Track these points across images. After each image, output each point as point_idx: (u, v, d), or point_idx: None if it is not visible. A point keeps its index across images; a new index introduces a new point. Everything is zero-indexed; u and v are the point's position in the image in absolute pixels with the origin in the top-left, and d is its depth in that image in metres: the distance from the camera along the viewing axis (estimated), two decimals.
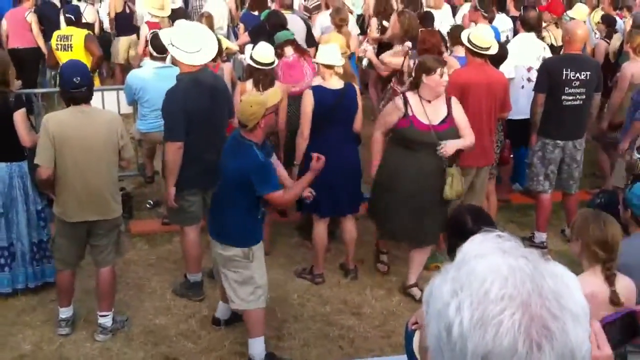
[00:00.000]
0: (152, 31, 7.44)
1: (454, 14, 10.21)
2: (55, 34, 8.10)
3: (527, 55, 7.26)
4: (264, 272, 4.83)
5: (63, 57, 7.67)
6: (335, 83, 5.74)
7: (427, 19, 8.13)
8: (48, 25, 9.71)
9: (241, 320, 5.01)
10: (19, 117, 5.22)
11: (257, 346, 4.83)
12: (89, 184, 4.80)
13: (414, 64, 6.84)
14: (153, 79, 6.49)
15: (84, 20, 8.64)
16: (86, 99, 4.83)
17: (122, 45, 10.27)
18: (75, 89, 4.73)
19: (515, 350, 0.98)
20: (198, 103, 5.20)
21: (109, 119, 4.91)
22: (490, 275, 1.03)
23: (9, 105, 5.21)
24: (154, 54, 6.66)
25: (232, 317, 5.23)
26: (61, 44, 7.89)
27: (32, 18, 9.78)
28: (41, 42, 9.68)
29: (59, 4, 10.67)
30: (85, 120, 4.78)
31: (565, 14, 9.08)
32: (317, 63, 5.89)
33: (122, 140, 4.89)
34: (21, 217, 5.43)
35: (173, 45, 5.18)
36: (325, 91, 5.71)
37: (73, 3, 9.48)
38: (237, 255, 4.65)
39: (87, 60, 7.27)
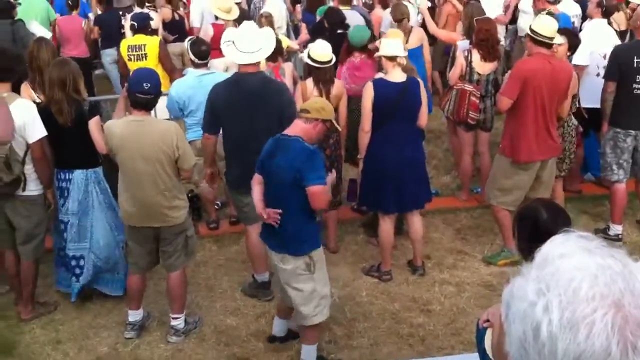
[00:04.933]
0: (189, 38, 7.29)
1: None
2: (125, 43, 8.05)
3: (601, 42, 7.01)
4: (326, 280, 4.69)
5: (136, 67, 7.70)
6: (397, 76, 5.65)
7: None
8: (107, 33, 9.91)
9: (297, 338, 4.98)
10: (94, 124, 5.33)
11: (310, 353, 4.76)
12: (146, 193, 4.85)
13: (466, 56, 6.78)
14: (197, 87, 6.28)
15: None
16: (148, 106, 4.90)
17: (172, 52, 10.19)
18: (142, 93, 4.80)
19: (609, 352, 0.94)
20: (229, 103, 5.22)
21: (163, 130, 4.85)
22: (579, 274, 0.99)
23: (83, 113, 5.34)
24: (196, 60, 6.48)
25: (289, 334, 5.15)
26: (134, 54, 7.83)
27: (88, 26, 9.94)
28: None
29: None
30: (140, 130, 4.80)
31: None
32: (379, 56, 5.83)
33: (179, 151, 4.80)
34: (97, 224, 5.51)
35: (233, 44, 5.18)
36: (387, 84, 5.63)
37: (136, 11, 9.58)
38: (299, 267, 4.48)
39: (159, 69, 7.19)
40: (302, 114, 4.51)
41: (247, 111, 5.22)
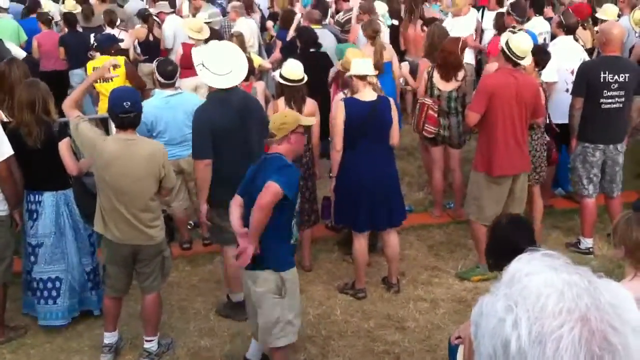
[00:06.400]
0: (157, 59, 7.27)
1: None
2: (91, 65, 8.05)
3: (568, 58, 7.14)
4: (295, 304, 4.60)
5: (104, 89, 7.63)
6: (368, 95, 5.69)
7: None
8: (73, 54, 9.90)
9: None
10: (64, 146, 5.27)
11: None
12: (129, 211, 4.82)
13: (429, 72, 6.88)
14: (164, 108, 6.29)
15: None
16: (133, 124, 4.85)
17: (143, 71, 10.11)
18: (124, 113, 4.75)
19: None
20: (225, 122, 5.15)
21: (151, 152, 4.83)
22: (546, 290, 1.01)
23: (53, 134, 5.27)
24: (162, 80, 6.46)
25: (264, 358, 5.08)
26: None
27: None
28: None
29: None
30: (129, 151, 4.77)
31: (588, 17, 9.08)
32: (350, 76, 5.86)
33: (164, 170, 4.84)
34: (70, 246, 5.45)
35: (204, 66, 5.19)
36: (358, 103, 5.65)
37: (107, 31, 9.57)
38: (270, 289, 4.42)
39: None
40: (271, 140, 4.49)
41: (240, 128, 5.14)
